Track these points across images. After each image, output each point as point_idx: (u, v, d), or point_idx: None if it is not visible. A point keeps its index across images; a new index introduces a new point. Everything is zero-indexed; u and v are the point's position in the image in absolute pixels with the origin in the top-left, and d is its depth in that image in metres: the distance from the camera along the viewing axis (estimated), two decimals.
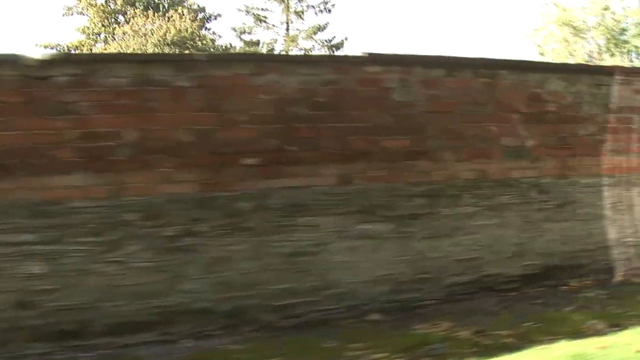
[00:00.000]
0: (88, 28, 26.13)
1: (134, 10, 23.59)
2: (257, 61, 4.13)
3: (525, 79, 4.80)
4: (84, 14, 26.45)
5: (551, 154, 4.86)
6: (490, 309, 4.34)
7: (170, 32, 22.31)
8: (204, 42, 24.47)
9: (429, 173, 4.43)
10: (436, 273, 4.45)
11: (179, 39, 22.32)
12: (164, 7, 24.82)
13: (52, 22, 49.53)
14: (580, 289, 4.79)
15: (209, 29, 27.51)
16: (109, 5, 26.00)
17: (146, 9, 24.15)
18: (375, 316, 4.19)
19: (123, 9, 25.19)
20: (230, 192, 4.00)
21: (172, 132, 3.93)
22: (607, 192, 5.12)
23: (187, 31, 22.99)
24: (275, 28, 28.34)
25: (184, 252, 3.91)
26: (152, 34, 22.08)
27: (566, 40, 19.24)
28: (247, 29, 28.23)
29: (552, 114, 4.89)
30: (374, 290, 4.27)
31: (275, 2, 28.02)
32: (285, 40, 27.35)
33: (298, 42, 27.60)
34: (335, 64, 4.27)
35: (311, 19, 32.38)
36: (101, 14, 25.61)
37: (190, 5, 26.34)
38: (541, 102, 4.84)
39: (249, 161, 4.03)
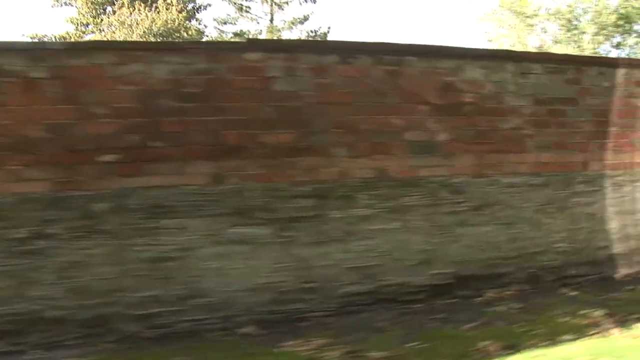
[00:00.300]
0: (77, 19, 26.40)
1: (122, 0, 23.76)
2: (120, 50, 4.02)
3: (437, 66, 4.60)
4: (71, 5, 26.74)
5: (467, 149, 4.65)
6: (382, 324, 4.18)
7: (156, 23, 22.36)
8: (190, 33, 24.49)
9: (316, 171, 4.27)
10: (325, 282, 4.31)
11: (165, 30, 22.35)
12: None
13: (44, 13, 50.17)
14: (496, 301, 4.59)
15: (199, 21, 27.91)
16: None
17: None
18: (249, 329, 4.08)
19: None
20: (86, 191, 3.94)
21: (23, 127, 3.89)
22: (534, 193, 4.83)
23: (173, 22, 23.01)
24: (259, 19, 29.07)
25: (36, 256, 3.88)
26: (138, 25, 22.15)
27: (515, 27, 18.85)
28: (231, 20, 28.94)
29: (468, 105, 4.67)
30: (251, 300, 4.15)
31: None
32: (267, 31, 27.51)
33: (281, 33, 27.74)
34: (210, 51, 4.13)
35: (296, 9, 32.56)
36: (89, 4, 25.81)
37: None
38: (456, 92, 4.63)
39: (108, 158, 3.96)
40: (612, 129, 5.11)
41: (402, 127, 4.47)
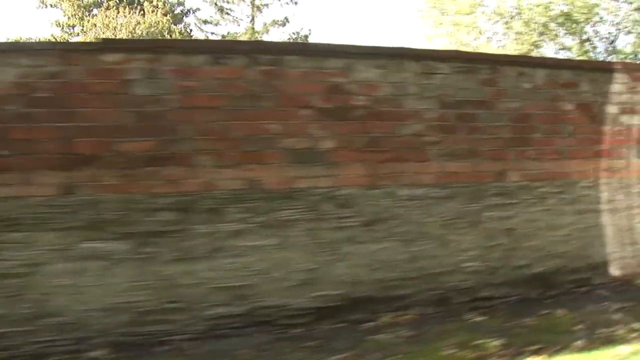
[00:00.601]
0: (63, 22, 27.02)
1: (107, 2, 24.17)
2: None
3: (323, 66, 4.44)
4: (56, 7, 27.38)
5: (357, 158, 4.47)
6: (246, 351, 4.07)
7: (140, 26, 22.63)
8: (174, 36, 24.77)
9: (179, 182, 4.18)
10: (191, 303, 4.19)
11: (148, 33, 22.58)
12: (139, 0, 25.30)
13: (28, 15, 51.30)
14: (387, 327, 4.41)
15: (187, 25, 29.14)
16: None
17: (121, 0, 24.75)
18: (99, 352, 4.01)
19: (98, 1, 25.86)
20: None
21: None
22: (439, 206, 4.55)
23: (157, 25, 23.23)
24: (239, 21, 30.07)
25: None
26: (122, 28, 22.43)
27: (447, 25, 18.25)
28: (213, 21, 30.04)
29: (360, 109, 4.50)
30: (107, 320, 4.09)
31: None
32: (246, 33, 28.07)
33: (262, 36, 28.79)
34: (62, 52, 4.11)
35: (277, 11, 35.40)
36: (75, 6, 26.34)
37: None
38: (345, 94, 4.47)
39: None
40: (535, 135, 4.78)
41: (280, 134, 4.31)
